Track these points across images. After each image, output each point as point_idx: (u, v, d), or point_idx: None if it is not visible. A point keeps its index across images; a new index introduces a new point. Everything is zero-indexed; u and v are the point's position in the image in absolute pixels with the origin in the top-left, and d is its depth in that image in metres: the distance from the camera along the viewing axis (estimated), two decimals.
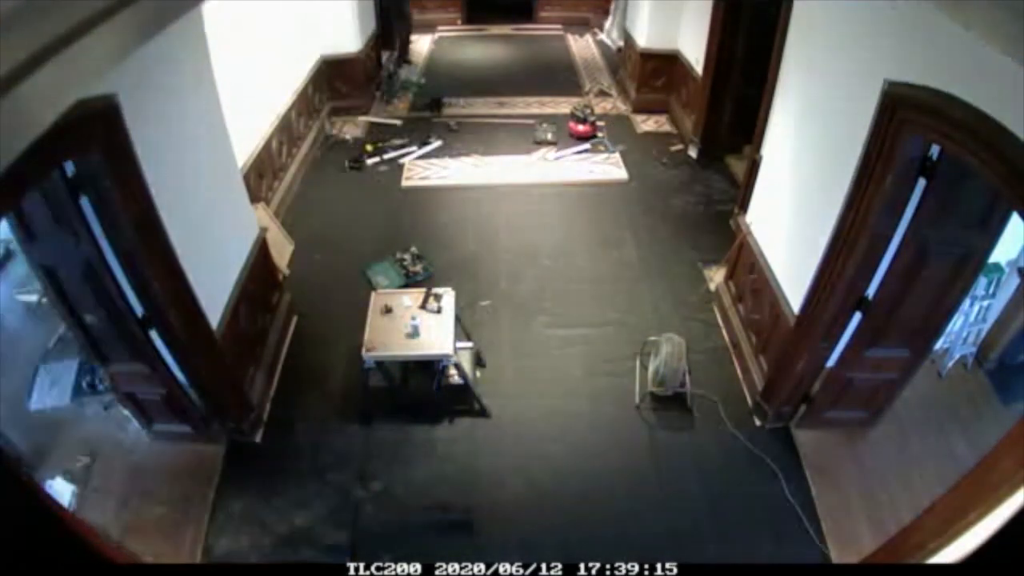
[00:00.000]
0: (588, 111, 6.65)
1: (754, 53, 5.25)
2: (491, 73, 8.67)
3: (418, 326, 3.34)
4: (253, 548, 3.04)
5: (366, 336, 3.36)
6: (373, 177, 6.07)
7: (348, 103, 7.12)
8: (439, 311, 3.47)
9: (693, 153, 6.31)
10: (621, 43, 8.39)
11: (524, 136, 6.78)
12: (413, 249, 4.90)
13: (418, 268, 4.75)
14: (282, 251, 4.78)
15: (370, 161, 6.23)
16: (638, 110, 7.36)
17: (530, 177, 6.04)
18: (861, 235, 2.62)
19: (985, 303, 3.65)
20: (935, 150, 2.35)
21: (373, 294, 3.62)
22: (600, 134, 6.61)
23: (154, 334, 2.88)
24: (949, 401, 3.70)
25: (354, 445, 3.51)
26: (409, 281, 4.63)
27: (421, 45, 9.58)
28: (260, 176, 5.01)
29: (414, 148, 6.42)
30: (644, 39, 7.03)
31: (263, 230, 3.92)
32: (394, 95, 7.64)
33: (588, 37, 9.78)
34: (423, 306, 3.48)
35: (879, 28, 2.47)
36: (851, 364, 3.13)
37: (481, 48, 9.71)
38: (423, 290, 3.64)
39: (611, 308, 4.45)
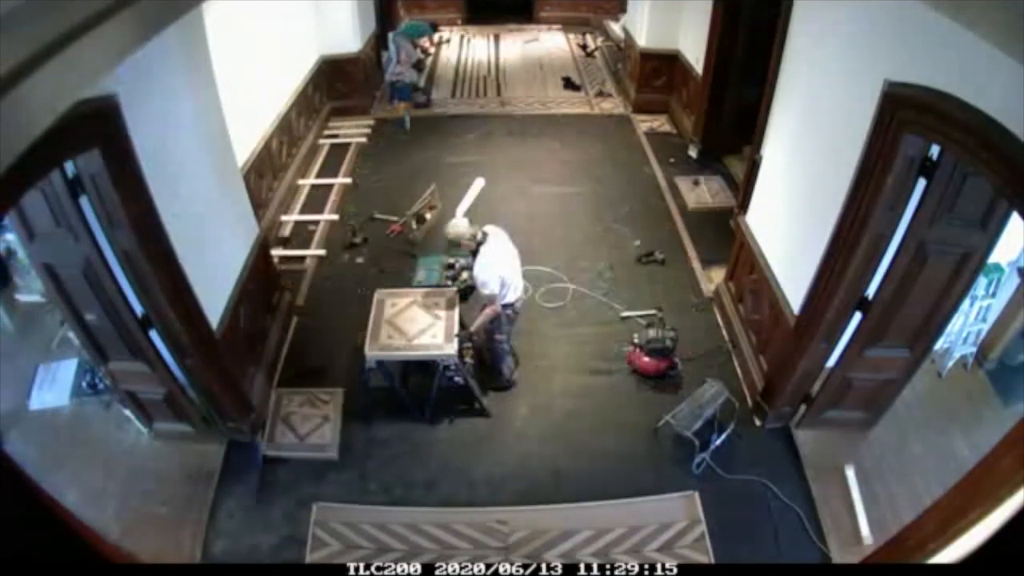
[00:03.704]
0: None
1: (754, 53, 5.24)
2: (492, 72, 8.68)
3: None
4: (253, 548, 3.04)
5: (367, 336, 3.35)
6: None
7: (348, 103, 7.13)
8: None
9: (693, 153, 6.31)
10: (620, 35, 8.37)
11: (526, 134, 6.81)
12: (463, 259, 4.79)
13: (464, 276, 4.63)
14: None
15: None
16: (638, 110, 7.36)
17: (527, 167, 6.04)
18: (861, 235, 2.62)
19: (985, 303, 3.65)
20: (935, 150, 2.36)
21: (376, 293, 3.61)
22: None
23: (154, 334, 2.88)
24: (949, 401, 3.70)
25: (354, 445, 3.51)
26: (447, 285, 4.31)
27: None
28: (260, 176, 5.01)
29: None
30: (644, 39, 7.03)
31: (264, 230, 3.91)
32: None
33: (589, 37, 9.77)
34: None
35: (879, 28, 2.47)
36: (851, 364, 3.13)
37: (481, 48, 9.71)
38: (424, 290, 3.64)
39: (611, 308, 4.45)
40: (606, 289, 4.61)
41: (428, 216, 5.20)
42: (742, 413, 3.66)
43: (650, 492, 3.26)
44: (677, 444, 3.45)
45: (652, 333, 3.77)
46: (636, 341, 3.83)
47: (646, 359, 3.78)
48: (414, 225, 5.13)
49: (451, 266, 4.69)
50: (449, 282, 4.55)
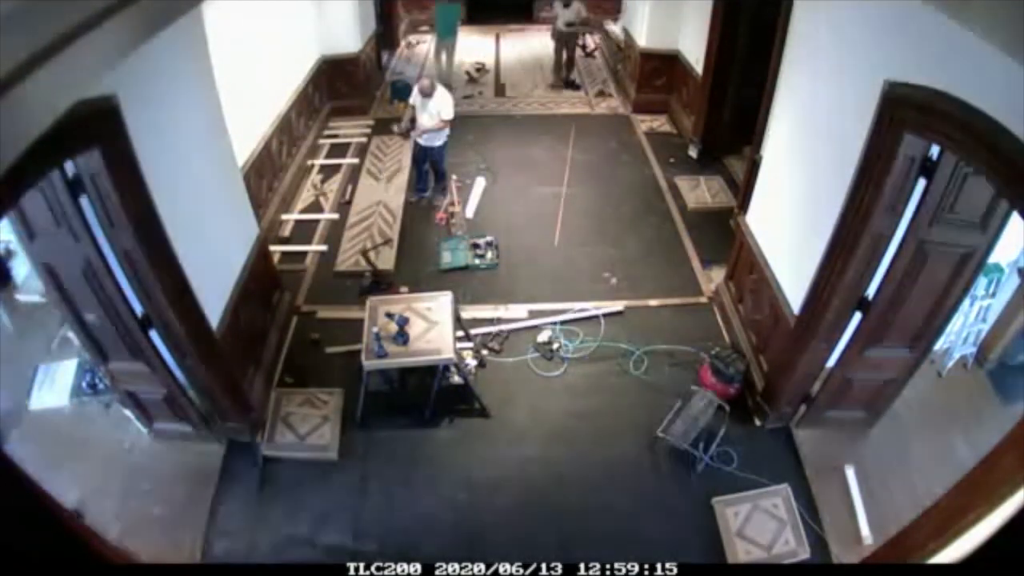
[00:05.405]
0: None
1: (754, 53, 5.24)
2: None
3: (406, 327, 3.34)
4: (252, 548, 3.04)
5: (364, 343, 3.34)
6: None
7: (348, 103, 7.12)
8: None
9: (693, 153, 6.31)
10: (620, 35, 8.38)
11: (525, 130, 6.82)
12: (489, 237, 4.96)
13: (488, 256, 4.77)
14: None
15: None
16: (638, 110, 7.36)
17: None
18: (861, 235, 2.62)
19: (985, 303, 3.65)
20: (935, 150, 2.35)
21: (368, 300, 3.60)
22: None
23: (154, 334, 2.88)
24: (949, 401, 3.70)
25: (354, 446, 3.50)
26: (473, 266, 4.74)
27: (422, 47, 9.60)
28: (260, 176, 5.01)
29: None
30: (644, 39, 7.03)
31: (263, 230, 3.91)
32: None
33: (589, 37, 9.75)
34: None
35: (879, 28, 2.47)
36: (851, 364, 3.13)
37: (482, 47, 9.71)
38: (418, 295, 3.65)
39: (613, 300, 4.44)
40: (605, 286, 4.61)
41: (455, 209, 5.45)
42: (743, 413, 3.65)
43: (653, 494, 3.28)
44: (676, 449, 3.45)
45: (722, 353, 3.73)
46: (711, 355, 3.74)
47: (711, 378, 3.70)
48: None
49: (476, 245, 4.73)
50: (476, 260, 4.61)
